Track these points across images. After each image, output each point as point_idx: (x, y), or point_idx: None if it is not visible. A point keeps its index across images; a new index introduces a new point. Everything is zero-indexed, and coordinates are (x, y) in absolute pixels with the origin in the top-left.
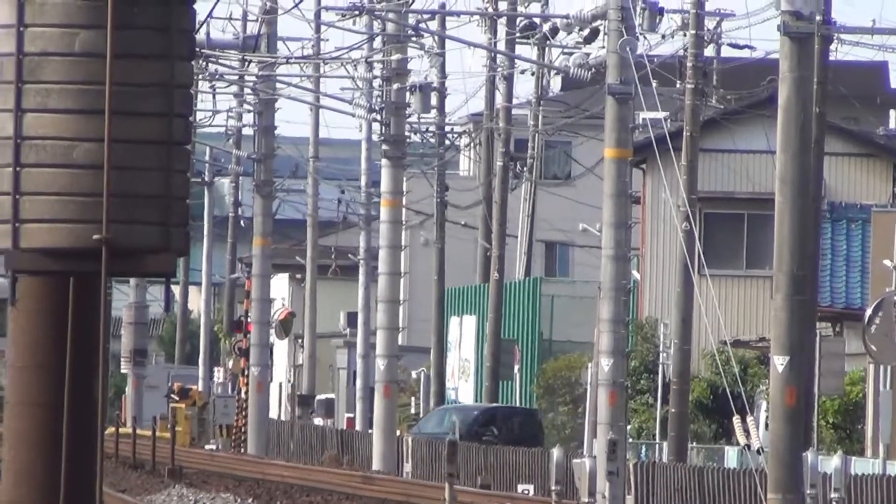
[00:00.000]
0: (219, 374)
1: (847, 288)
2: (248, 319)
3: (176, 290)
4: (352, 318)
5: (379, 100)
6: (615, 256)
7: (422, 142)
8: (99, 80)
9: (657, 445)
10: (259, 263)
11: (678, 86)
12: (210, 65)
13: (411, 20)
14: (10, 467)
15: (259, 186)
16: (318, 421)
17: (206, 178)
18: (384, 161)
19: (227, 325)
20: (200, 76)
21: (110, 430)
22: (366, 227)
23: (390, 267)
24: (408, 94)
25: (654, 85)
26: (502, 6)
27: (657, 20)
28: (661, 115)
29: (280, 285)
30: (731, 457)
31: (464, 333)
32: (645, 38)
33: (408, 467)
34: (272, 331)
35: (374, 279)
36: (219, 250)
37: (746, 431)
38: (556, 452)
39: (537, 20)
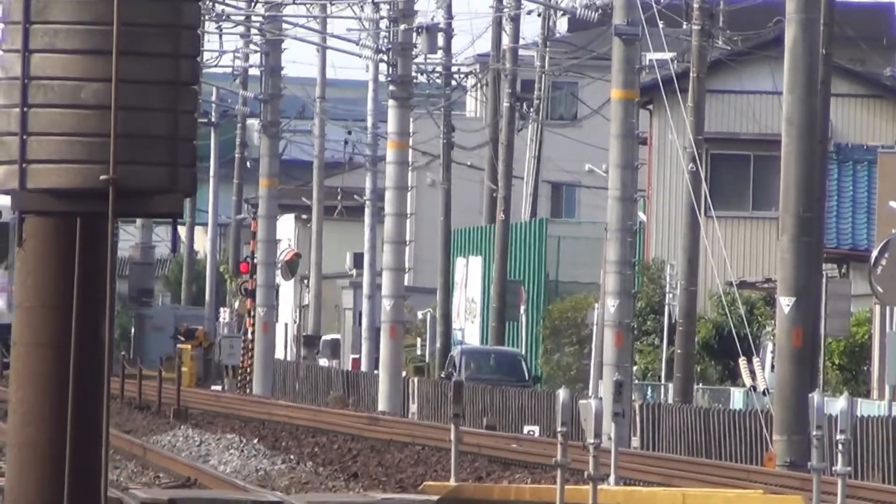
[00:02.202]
0: (225, 315)
1: (853, 229)
2: (255, 260)
3: (182, 231)
4: (358, 259)
5: (385, 40)
6: (621, 197)
7: (428, 82)
8: (106, 21)
9: (663, 386)
10: (265, 204)
11: (685, 27)
12: (217, 5)
13: None
14: (17, 407)
15: (266, 127)
16: (323, 362)
17: (213, 119)
18: (391, 102)
19: (233, 266)
20: (207, 16)
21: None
22: (372, 168)
23: (396, 208)
24: (414, 34)
25: (660, 26)
26: None
27: None
28: (667, 56)
29: (286, 226)
30: (736, 398)
31: (470, 274)
32: None
33: (413, 408)
34: (278, 271)
35: (380, 220)
36: (225, 191)
37: (752, 373)
38: (562, 393)
39: None
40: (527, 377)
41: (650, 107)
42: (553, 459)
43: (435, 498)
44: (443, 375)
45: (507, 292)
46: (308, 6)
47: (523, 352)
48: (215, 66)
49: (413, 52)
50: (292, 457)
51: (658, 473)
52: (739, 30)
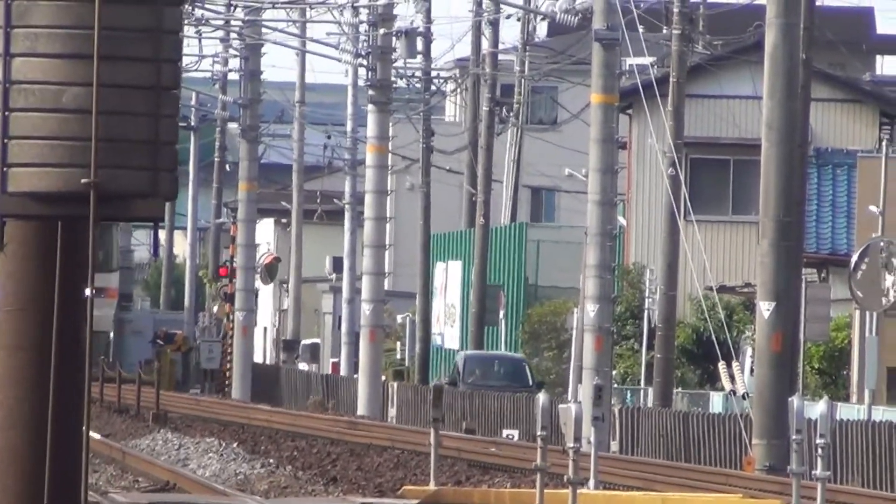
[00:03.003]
0: (204, 319)
1: (833, 234)
2: (234, 264)
3: (161, 235)
4: (337, 263)
5: (365, 45)
6: (601, 202)
7: (408, 87)
8: (87, 25)
9: (642, 391)
10: (244, 208)
11: (665, 31)
12: (196, 9)
13: None
14: None
15: (245, 131)
16: (302, 366)
17: (193, 123)
18: (370, 106)
19: (212, 271)
20: (186, 21)
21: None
22: (351, 172)
23: (376, 212)
24: (394, 39)
25: (640, 30)
26: None
27: None
28: (647, 60)
29: (265, 230)
30: (715, 402)
31: (449, 278)
32: None
33: (392, 412)
34: (257, 275)
35: (360, 224)
36: (204, 195)
37: (731, 377)
38: (541, 397)
39: None
40: (530, 383)
41: (630, 111)
42: (533, 463)
43: (414, 502)
44: (446, 382)
45: (486, 297)
46: (287, 10)
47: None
48: (195, 70)
49: (392, 57)
50: (271, 461)
51: (637, 477)
52: (719, 34)
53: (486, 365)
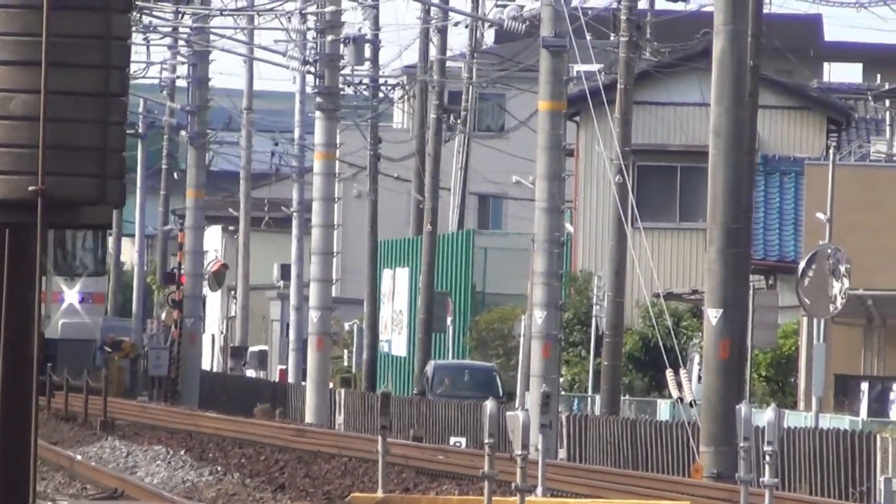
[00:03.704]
0: (152, 326)
1: (780, 241)
2: (182, 271)
3: (109, 242)
4: (285, 270)
5: (312, 52)
6: (548, 209)
7: (355, 94)
8: (35, 32)
9: (590, 398)
10: (192, 215)
11: (612, 38)
12: (144, 16)
13: None
14: None
15: (192, 138)
16: (250, 373)
17: (140, 131)
18: (317, 113)
19: (160, 277)
20: (134, 28)
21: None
22: (299, 180)
23: (323, 219)
24: (341, 46)
25: (588, 38)
26: None
27: None
28: (594, 67)
29: (213, 237)
30: (663, 410)
31: (397, 286)
32: None
33: (340, 419)
34: (205, 282)
35: (308, 231)
36: (152, 202)
37: (679, 384)
38: (489, 405)
39: None
40: (501, 393)
41: (577, 118)
42: (480, 471)
43: None
44: (415, 392)
45: (434, 304)
46: (235, 18)
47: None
48: (143, 77)
49: (340, 64)
50: (219, 468)
51: (585, 485)
52: (667, 41)
53: (455, 374)
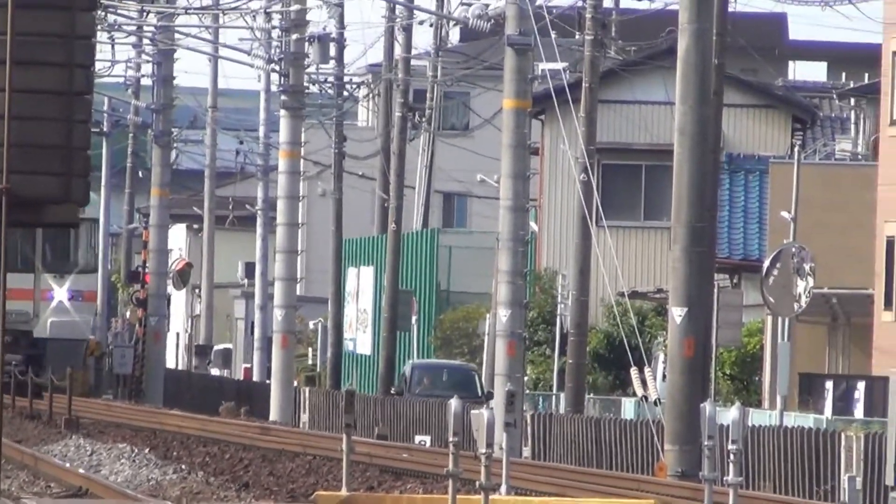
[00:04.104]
0: (116, 325)
1: (745, 239)
2: (146, 270)
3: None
4: (249, 269)
5: (278, 50)
6: (513, 207)
7: (320, 92)
8: (0, 31)
9: (554, 396)
10: (157, 214)
11: (577, 37)
12: (109, 15)
13: None
14: None
15: (157, 137)
16: (215, 371)
17: (105, 129)
18: (282, 112)
19: (124, 276)
20: (99, 26)
21: None
22: (264, 178)
23: (288, 217)
24: (306, 44)
25: (552, 36)
26: None
27: None
28: (559, 66)
29: (178, 235)
30: (627, 408)
31: (361, 284)
32: None
33: (305, 418)
34: (170, 281)
35: (272, 230)
36: (117, 201)
37: (643, 382)
38: (453, 403)
39: None
40: (480, 393)
41: (542, 117)
42: (445, 469)
43: None
44: (392, 391)
45: (398, 302)
46: (200, 16)
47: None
48: (108, 75)
49: (305, 62)
50: (184, 466)
51: (550, 483)
52: (632, 40)
53: (434, 374)
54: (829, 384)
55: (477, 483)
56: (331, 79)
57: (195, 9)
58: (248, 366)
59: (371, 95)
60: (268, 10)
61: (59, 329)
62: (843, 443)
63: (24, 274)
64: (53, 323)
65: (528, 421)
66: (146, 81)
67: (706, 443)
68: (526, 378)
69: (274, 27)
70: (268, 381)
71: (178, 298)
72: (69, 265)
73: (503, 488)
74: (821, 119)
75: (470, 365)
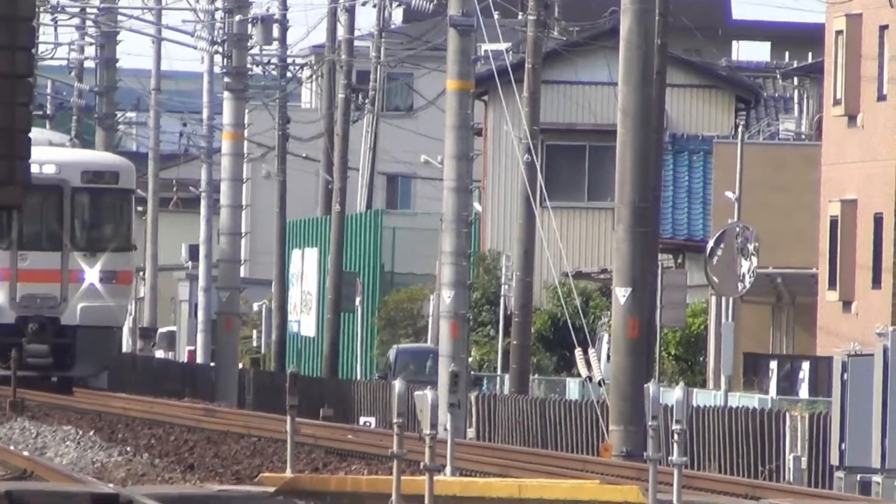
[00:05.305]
0: None
1: (689, 220)
2: None
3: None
4: (193, 251)
5: (221, 32)
6: (457, 188)
7: (264, 74)
8: None
9: (499, 377)
10: None
11: (520, 17)
12: None
13: None
14: None
15: (101, 119)
16: (159, 354)
17: (48, 112)
18: (226, 94)
19: None
20: (42, 8)
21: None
22: (207, 160)
23: (232, 200)
24: (249, 26)
25: (495, 16)
26: None
27: None
28: (503, 46)
29: None
30: (572, 389)
31: (305, 266)
32: None
33: (249, 399)
34: None
35: (216, 212)
36: None
37: (588, 363)
38: (398, 384)
39: None
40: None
41: (485, 97)
42: (389, 450)
43: (271, 489)
44: (378, 376)
45: (342, 284)
46: None
47: (358, 343)
48: (51, 58)
49: (248, 44)
50: (129, 449)
51: (494, 464)
52: (575, 20)
53: (419, 359)
54: (773, 364)
55: (421, 464)
56: (274, 60)
57: None
58: (192, 348)
59: (314, 77)
60: None
61: (90, 315)
62: (787, 423)
63: (51, 253)
64: (84, 308)
65: (473, 402)
66: (89, 64)
67: (650, 423)
68: (470, 359)
69: (217, 8)
70: (212, 364)
71: None
72: (101, 242)
73: (448, 469)
74: (764, 99)
75: None
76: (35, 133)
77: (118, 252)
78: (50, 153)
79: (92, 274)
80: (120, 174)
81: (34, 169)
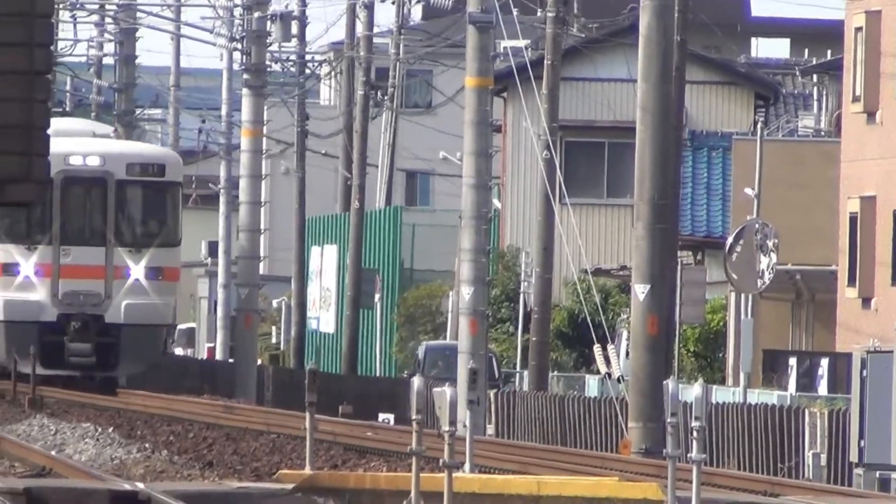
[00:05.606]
0: None
1: (708, 216)
2: None
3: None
4: (213, 248)
5: (240, 29)
6: (476, 185)
7: (282, 71)
8: None
9: (518, 374)
10: None
11: (539, 14)
12: None
13: None
14: None
15: (120, 116)
16: (179, 351)
17: (67, 108)
18: (245, 90)
19: None
20: (61, 5)
21: None
22: (226, 157)
23: (251, 196)
24: (268, 22)
25: (514, 13)
26: None
27: None
28: (522, 43)
29: None
30: (591, 385)
31: (325, 263)
32: None
33: (269, 396)
34: None
35: (235, 208)
36: None
37: (607, 360)
38: (416, 381)
39: None
40: (497, 375)
41: (504, 94)
42: (408, 447)
43: (290, 486)
44: (406, 374)
45: (362, 280)
46: None
47: (378, 339)
48: (70, 54)
49: (267, 41)
50: (147, 445)
51: (514, 461)
52: (594, 17)
53: (448, 356)
54: (792, 361)
55: (440, 461)
56: (293, 57)
57: None
58: (212, 345)
59: (333, 73)
60: None
61: (136, 313)
62: (806, 419)
63: (94, 248)
64: (129, 306)
65: (492, 399)
66: (108, 60)
67: (669, 420)
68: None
69: (236, 5)
70: (231, 361)
71: None
72: (147, 237)
73: (467, 466)
74: (783, 96)
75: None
76: (79, 124)
77: (164, 247)
78: (94, 144)
79: (137, 270)
80: (166, 166)
81: (77, 161)
